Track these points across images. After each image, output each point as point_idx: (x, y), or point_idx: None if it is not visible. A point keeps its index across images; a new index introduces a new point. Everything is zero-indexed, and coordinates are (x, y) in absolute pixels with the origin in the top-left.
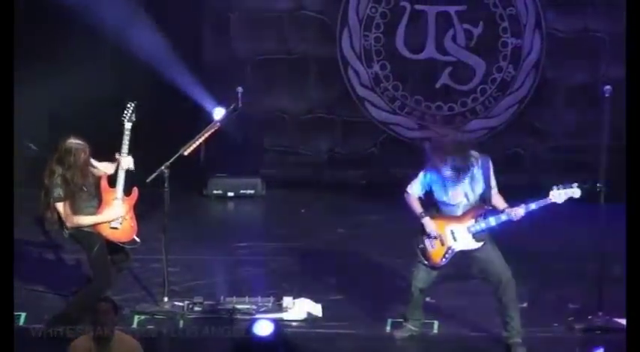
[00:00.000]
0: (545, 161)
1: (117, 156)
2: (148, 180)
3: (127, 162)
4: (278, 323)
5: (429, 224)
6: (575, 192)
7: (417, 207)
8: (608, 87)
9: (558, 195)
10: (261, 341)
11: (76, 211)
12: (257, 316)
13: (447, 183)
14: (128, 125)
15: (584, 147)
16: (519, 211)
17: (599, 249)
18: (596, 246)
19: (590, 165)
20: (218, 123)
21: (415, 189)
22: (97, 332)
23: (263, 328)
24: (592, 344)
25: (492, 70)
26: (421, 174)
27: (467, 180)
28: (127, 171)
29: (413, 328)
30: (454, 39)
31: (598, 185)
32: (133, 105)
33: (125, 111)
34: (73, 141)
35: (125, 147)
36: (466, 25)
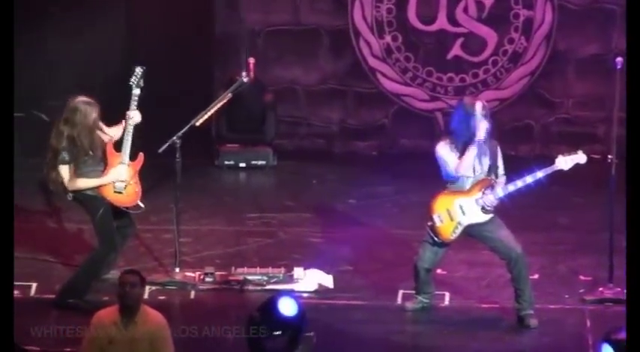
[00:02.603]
0: (556, 133)
1: (127, 112)
2: (159, 151)
3: (135, 116)
4: (301, 301)
5: (468, 202)
6: (581, 157)
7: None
8: (619, 59)
9: (564, 161)
10: (285, 320)
11: (79, 175)
12: (268, 287)
13: (462, 151)
14: (136, 91)
15: (595, 119)
16: (527, 180)
17: (610, 220)
18: (606, 218)
19: (601, 137)
20: (230, 94)
21: (455, 162)
22: (122, 304)
23: (288, 307)
24: (603, 316)
25: (504, 42)
26: (441, 148)
27: (475, 151)
28: (135, 138)
29: (424, 300)
30: (466, 10)
31: (609, 156)
32: (141, 70)
33: (133, 77)
34: (81, 100)
35: (134, 105)
36: None
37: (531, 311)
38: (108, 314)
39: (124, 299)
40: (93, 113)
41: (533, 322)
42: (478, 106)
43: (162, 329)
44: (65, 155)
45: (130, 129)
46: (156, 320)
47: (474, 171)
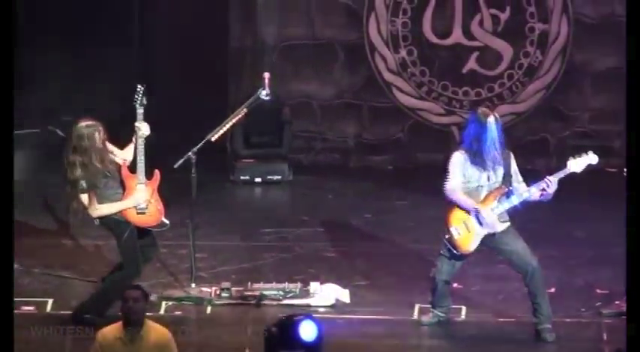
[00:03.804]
0: (571, 146)
1: (135, 124)
2: (175, 166)
3: (143, 127)
4: (321, 325)
5: (486, 212)
6: (592, 158)
7: (469, 201)
8: None
9: (576, 163)
10: (303, 343)
11: (103, 199)
12: (284, 302)
13: (476, 163)
14: (140, 110)
15: (612, 132)
16: (541, 185)
17: (626, 233)
18: (623, 231)
19: (617, 151)
20: (245, 110)
21: (456, 181)
22: (126, 320)
23: (308, 330)
24: (620, 329)
25: (519, 55)
26: (454, 160)
27: (489, 162)
28: (150, 153)
29: (440, 314)
30: (481, 24)
31: (625, 170)
32: (142, 88)
33: (136, 96)
34: (84, 124)
35: (140, 120)
36: (493, 10)
37: (549, 325)
38: (112, 331)
39: (127, 314)
40: (98, 134)
41: (551, 336)
42: (491, 119)
43: (169, 341)
44: (83, 183)
45: (142, 145)
46: (161, 332)
47: (489, 179)
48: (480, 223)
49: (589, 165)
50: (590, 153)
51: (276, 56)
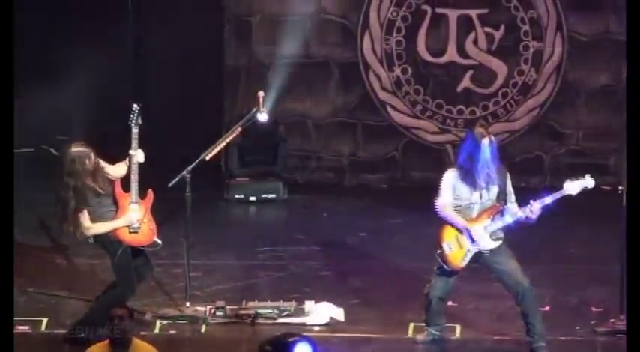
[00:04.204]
0: (566, 164)
1: (130, 152)
2: (169, 185)
3: (138, 155)
4: (317, 347)
5: (476, 229)
6: (589, 182)
7: (459, 219)
8: None
9: (572, 186)
10: None
11: (96, 217)
12: (279, 320)
13: (468, 182)
14: (135, 129)
15: (606, 150)
16: (535, 206)
17: (622, 251)
18: (618, 249)
19: (611, 169)
20: (239, 128)
21: (446, 199)
22: (113, 338)
23: None
24: (615, 347)
25: (514, 74)
26: (445, 178)
27: (481, 181)
28: (144, 172)
29: (435, 332)
30: (475, 42)
31: (620, 188)
32: (137, 108)
33: (131, 115)
34: (75, 149)
35: (135, 144)
36: (487, 29)
37: (543, 344)
38: (99, 350)
39: (113, 332)
40: (88, 159)
41: None
42: (485, 141)
43: None
44: (73, 203)
45: (135, 169)
46: (148, 351)
47: (481, 198)
48: (472, 240)
49: (585, 189)
50: (587, 177)
51: (271, 75)
